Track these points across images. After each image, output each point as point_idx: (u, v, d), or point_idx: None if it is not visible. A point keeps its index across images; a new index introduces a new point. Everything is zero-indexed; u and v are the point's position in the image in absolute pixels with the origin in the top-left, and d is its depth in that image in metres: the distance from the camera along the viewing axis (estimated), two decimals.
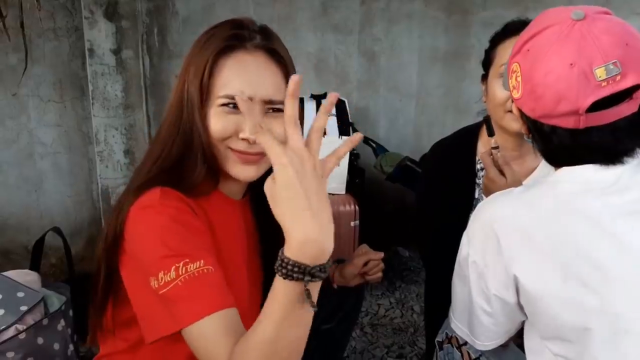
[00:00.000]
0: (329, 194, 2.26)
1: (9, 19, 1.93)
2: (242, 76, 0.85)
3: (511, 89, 0.83)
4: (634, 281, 0.74)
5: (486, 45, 2.64)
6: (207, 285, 0.75)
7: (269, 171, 0.88)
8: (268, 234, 0.98)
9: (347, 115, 2.40)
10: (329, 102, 0.67)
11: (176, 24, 2.31)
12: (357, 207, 2.19)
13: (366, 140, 2.39)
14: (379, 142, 2.41)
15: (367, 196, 2.34)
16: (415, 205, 1.47)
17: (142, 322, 0.82)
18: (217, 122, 0.85)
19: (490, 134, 1.13)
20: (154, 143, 0.90)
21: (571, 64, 0.73)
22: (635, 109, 0.75)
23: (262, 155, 0.87)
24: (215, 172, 0.89)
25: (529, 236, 0.79)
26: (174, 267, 0.74)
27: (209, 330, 0.72)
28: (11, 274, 1.62)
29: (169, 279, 0.74)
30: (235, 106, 0.85)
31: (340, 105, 2.39)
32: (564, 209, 0.78)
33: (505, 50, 1.18)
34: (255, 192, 0.98)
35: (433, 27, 2.56)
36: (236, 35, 0.86)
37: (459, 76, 2.60)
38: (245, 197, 0.99)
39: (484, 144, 1.28)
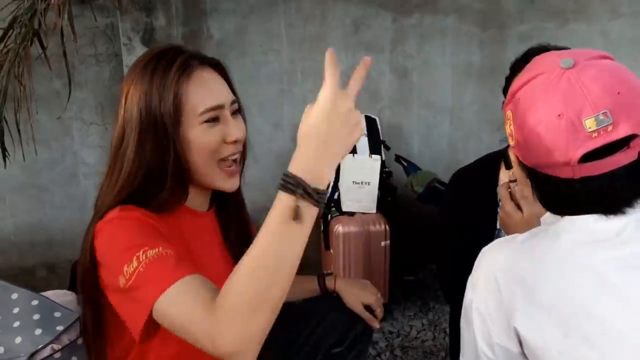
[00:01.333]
0: (360, 212, 2.26)
1: (52, 46, 2.04)
2: (208, 89, 0.94)
3: (507, 135, 0.82)
4: (635, 335, 0.70)
5: None
6: (167, 263, 0.79)
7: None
8: (233, 241, 1.08)
9: (379, 133, 2.39)
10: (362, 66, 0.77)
11: (210, 47, 2.37)
12: (387, 227, 2.18)
13: (397, 159, 2.37)
14: (411, 160, 2.39)
15: (399, 214, 2.33)
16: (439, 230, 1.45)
17: (128, 325, 0.85)
18: (206, 138, 0.93)
19: (508, 166, 1.11)
20: (110, 176, 0.94)
21: (559, 115, 0.71)
22: (634, 157, 0.72)
23: (238, 165, 0.99)
24: (185, 189, 0.96)
25: (530, 288, 0.77)
26: (135, 256, 0.79)
27: (178, 295, 0.75)
28: (49, 294, 1.69)
29: (132, 270, 0.79)
30: (214, 120, 0.93)
31: (371, 123, 2.39)
32: (565, 262, 0.75)
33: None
34: (218, 204, 1.08)
35: (467, 42, 2.53)
36: (187, 59, 0.93)
37: (494, 91, 2.53)
38: (211, 209, 1.07)
39: (505, 172, 1.25)
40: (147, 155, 0.91)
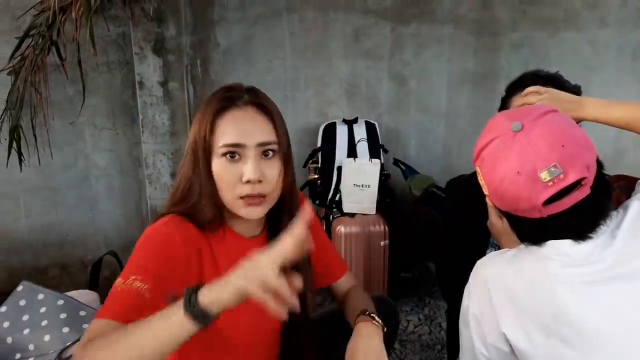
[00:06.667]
0: (361, 214, 2.34)
1: (67, 54, 2.14)
2: (236, 128, 1.01)
3: (482, 186, 0.94)
4: (606, 336, 0.84)
5: (515, 66, 2.69)
6: (124, 299, 0.88)
7: (280, 209, 1.07)
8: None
9: (378, 138, 2.51)
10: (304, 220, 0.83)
11: (218, 55, 2.47)
12: (386, 228, 2.30)
13: (396, 163, 2.49)
14: (408, 164, 2.50)
15: (397, 215, 2.45)
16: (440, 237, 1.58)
17: None
18: (222, 170, 1.01)
19: None
20: (175, 192, 1.07)
21: (518, 172, 0.84)
22: (588, 192, 0.85)
23: (264, 197, 1.02)
24: (218, 210, 1.05)
25: (516, 298, 0.90)
26: (128, 278, 0.90)
27: (96, 328, 0.84)
28: (74, 294, 1.81)
29: (119, 284, 0.90)
30: (233, 156, 1.01)
31: (371, 128, 2.51)
32: (546, 277, 0.89)
33: (520, 102, 1.27)
34: (271, 229, 1.14)
35: (463, 50, 2.64)
36: (228, 98, 1.03)
37: (488, 97, 2.67)
38: (262, 234, 1.14)
39: None
40: (189, 174, 1.04)
